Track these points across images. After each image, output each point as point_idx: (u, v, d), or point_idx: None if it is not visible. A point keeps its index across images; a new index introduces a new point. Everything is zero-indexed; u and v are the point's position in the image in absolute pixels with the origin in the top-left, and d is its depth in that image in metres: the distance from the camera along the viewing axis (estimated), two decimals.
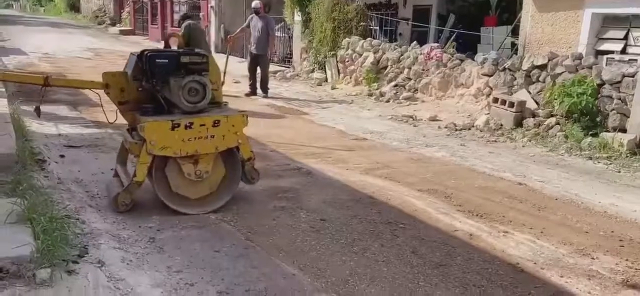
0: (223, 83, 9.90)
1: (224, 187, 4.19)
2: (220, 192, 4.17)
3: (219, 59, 16.44)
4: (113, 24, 27.79)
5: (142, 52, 4.02)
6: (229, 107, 4.39)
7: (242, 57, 14.29)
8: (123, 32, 24.17)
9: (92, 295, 2.73)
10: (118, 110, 4.22)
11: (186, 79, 3.91)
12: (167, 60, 3.96)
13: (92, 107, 7.94)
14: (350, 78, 11.39)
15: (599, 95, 6.97)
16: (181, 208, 4.00)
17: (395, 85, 10.24)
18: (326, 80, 12.00)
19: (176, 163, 3.96)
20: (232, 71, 10.64)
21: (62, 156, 5.23)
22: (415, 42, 10.87)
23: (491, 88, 8.50)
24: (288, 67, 14.01)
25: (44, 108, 7.32)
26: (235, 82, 11.35)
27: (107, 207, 4.00)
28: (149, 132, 3.79)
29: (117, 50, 17.02)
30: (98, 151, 5.54)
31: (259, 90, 10.34)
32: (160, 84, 3.96)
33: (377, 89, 10.42)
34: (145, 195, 4.29)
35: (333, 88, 11.35)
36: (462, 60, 9.39)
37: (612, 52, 7.85)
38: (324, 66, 12.27)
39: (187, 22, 8.53)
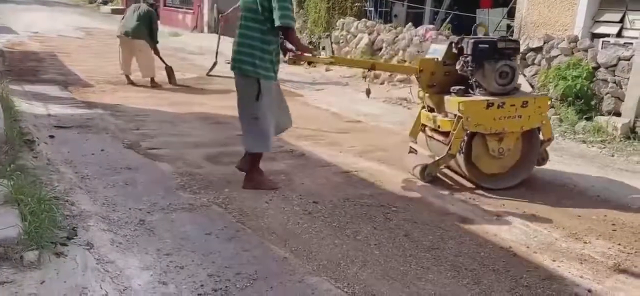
0: (215, 64, 9.97)
1: (521, 165, 4.57)
2: (517, 170, 4.56)
3: (212, 39, 16.24)
4: (105, 3, 27.41)
5: (460, 39, 4.46)
6: (521, 89, 4.74)
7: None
8: (115, 11, 23.81)
9: (81, 277, 2.69)
10: (426, 94, 4.67)
11: (499, 63, 4.29)
12: (487, 46, 4.33)
13: (83, 87, 7.87)
14: None
15: (594, 79, 6.94)
16: (481, 182, 4.45)
17: None
18: None
19: (482, 140, 4.35)
20: (225, 51, 10.52)
21: (51, 137, 5.15)
22: (410, 23, 10.79)
23: None
24: None
25: (33, 88, 7.27)
26: (227, 63, 11.24)
27: (97, 188, 3.95)
28: (467, 110, 4.22)
29: (109, 29, 16.77)
30: (88, 132, 5.47)
31: None
32: (476, 68, 4.31)
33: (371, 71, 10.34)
34: (134, 176, 4.25)
35: (327, 69, 11.27)
36: None
37: (608, 35, 7.80)
38: (318, 47, 12.17)
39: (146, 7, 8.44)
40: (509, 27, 10.09)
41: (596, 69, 6.95)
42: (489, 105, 4.26)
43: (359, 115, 7.29)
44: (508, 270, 3.14)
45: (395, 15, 12.68)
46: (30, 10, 21.29)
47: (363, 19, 11.32)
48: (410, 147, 5.04)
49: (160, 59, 8.60)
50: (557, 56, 7.45)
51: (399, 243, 3.40)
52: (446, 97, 4.45)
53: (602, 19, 7.95)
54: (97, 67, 9.65)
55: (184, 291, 2.66)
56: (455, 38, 4.60)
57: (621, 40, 7.56)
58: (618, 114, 6.63)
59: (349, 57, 11.12)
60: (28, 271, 2.65)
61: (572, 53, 7.28)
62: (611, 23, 7.84)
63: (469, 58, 4.31)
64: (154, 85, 8.31)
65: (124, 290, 2.63)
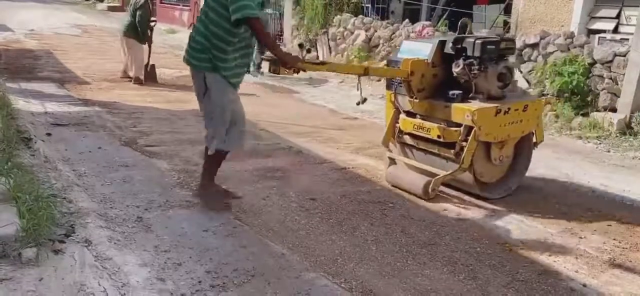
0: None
1: (517, 171, 4.37)
2: (513, 176, 4.35)
3: None
4: (101, 0, 27.32)
5: (459, 38, 4.02)
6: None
7: None
8: (111, 9, 23.73)
9: (79, 274, 2.70)
10: (415, 98, 4.10)
11: (500, 65, 4.04)
12: (494, 46, 4.00)
13: (79, 84, 7.85)
14: (342, 56, 11.31)
15: (590, 75, 6.96)
16: (481, 191, 4.15)
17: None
18: (317, 58, 11.91)
19: (486, 147, 4.06)
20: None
21: (48, 134, 5.14)
22: (407, 20, 10.79)
23: None
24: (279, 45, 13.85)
25: (30, 85, 7.26)
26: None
27: (94, 185, 3.96)
28: (480, 119, 3.82)
29: (106, 26, 16.77)
30: (85, 129, 5.47)
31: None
32: (479, 69, 3.93)
33: None
34: (131, 173, 4.25)
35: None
36: None
37: (604, 31, 7.83)
38: (315, 44, 12.17)
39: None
40: (505, 23, 10.11)
41: (592, 65, 6.97)
42: (498, 112, 3.92)
43: (355, 111, 7.30)
44: (504, 265, 3.16)
45: (392, 12, 12.68)
46: (26, 7, 21.21)
47: (360, 16, 11.32)
48: (389, 157, 4.55)
49: (149, 51, 8.61)
50: (553, 52, 7.47)
51: (396, 239, 3.41)
52: (454, 105, 3.95)
53: (598, 15, 7.99)
54: (93, 65, 9.63)
55: (181, 288, 2.67)
56: (446, 37, 4.21)
57: (617, 37, 7.59)
58: (614, 110, 6.66)
59: (346, 53, 11.14)
60: (26, 268, 2.65)
61: (568, 49, 7.30)
62: (607, 19, 7.87)
63: (475, 60, 3.91)
64: (138, 83, 8.31)
65: (122, 286, 2.64)
